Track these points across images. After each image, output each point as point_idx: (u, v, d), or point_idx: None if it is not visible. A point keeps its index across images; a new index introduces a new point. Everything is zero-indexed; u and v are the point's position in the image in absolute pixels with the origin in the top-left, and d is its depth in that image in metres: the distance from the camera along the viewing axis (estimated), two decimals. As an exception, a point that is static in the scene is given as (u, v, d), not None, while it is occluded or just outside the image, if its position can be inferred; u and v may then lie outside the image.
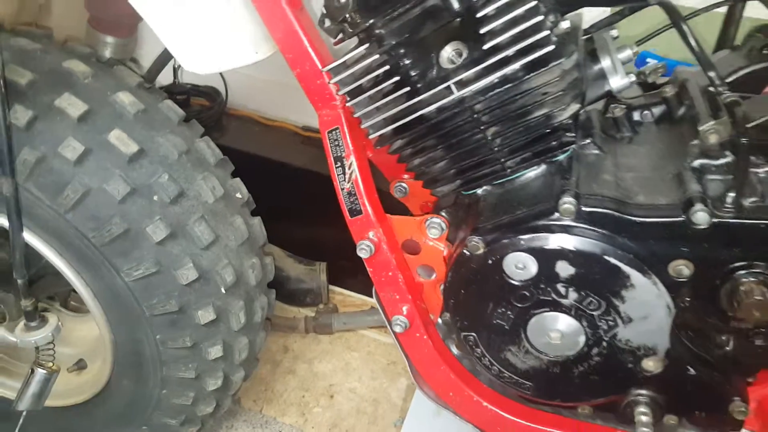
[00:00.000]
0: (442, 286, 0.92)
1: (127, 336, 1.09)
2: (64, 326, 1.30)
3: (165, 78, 1.88)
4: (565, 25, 0.74)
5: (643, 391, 0.86)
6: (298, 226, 1.85)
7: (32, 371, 1.07)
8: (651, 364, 0.83)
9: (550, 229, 0.78)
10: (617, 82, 0.85)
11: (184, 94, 1.98)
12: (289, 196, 1.78)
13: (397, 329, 0.97)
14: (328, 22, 0.81)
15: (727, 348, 0.83)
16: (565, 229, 0.78)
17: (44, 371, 1.07)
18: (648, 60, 1.45)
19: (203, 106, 1.99)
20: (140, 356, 1.11)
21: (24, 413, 1.11)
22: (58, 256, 1.02)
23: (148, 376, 1.13)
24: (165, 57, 1.11)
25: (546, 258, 0.79)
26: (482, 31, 0.73)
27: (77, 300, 1.39)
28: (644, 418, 0.85)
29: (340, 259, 1.82)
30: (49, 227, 0.99)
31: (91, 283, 1.04)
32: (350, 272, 1.83)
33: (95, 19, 1.22)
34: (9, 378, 1.31)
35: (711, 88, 0.80)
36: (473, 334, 0.90)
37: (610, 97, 0.89)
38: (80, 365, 1.30)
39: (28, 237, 0.99)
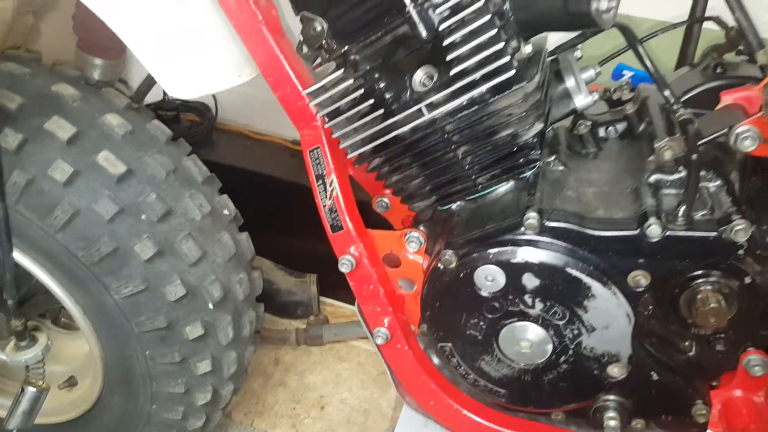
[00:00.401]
0: (421, 298, 0.96)
1: (117, 352, 1.11)
2: (54, 344, 1.32)
3: (155, 94, 1.92)
4: (527, 49, 0.79)
5: (611, 397, 0.90)
6: (289, 238, 1.87)
7: (22, 389, 1.09)
8: (616, 371, 0.87)
9: (516, 243, 0.82)
10: (581, 100, 0.90)
11: (173, 110, 1.99)
12: (279, 209, 1.80)
13: (379, 341, 1.00)
14: (305, 49, 0.85)
15: (690, 353, 0.86)
16: (530, 243, 0.81)
17: (34, 389, 1.09)
18: (624, 72, 1.50)
19: (193, 122, 2.02)
20: (130, 372, 1.12)
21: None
22: (48, 276, 1.04)
23: (138, 391, 1.15)
24: (153, 78, 1.14)
25: (513, 270, 0.83)
26: (449, 57, 0.77)
27: (68, 317, 1.41)
28: (612, 423, 0.89)
29: (330, 270, 1.82)
30: (39, 247, 1.01)
31: (81, 301, 1.06)
32: (341, 283, 1.83)
33: (84, 41, 1.25)
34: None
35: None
36: (449, 344, 0.93)
37: (577, 114, 0.94)
38: (71, 382, 1.30)
39: (19, 257, 1.02)
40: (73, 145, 1.00)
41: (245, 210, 1.25)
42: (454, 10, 0.75)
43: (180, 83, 0.92)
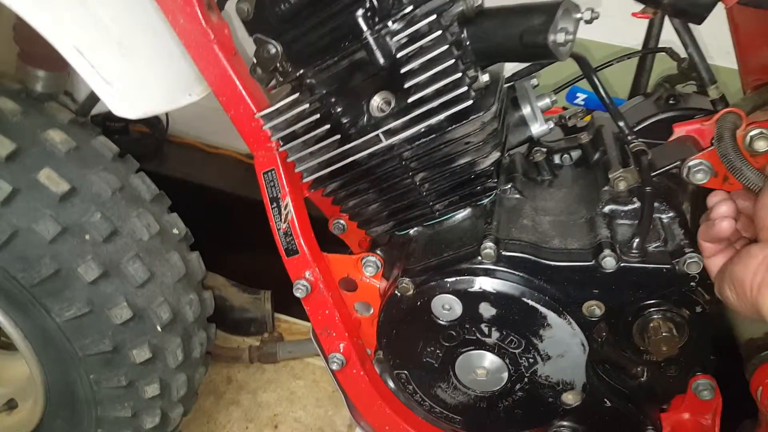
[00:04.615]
0: (377, 323, 0.94)
1: (60, 376, 1.06)
2: (-7, 366, 1.27)
3: (102, 103, 1.85)
4: (484, 78, 0.78)
5: (565, 423, 0.91)
6: (243, 254, 1.84)
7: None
8: (570, 398, 0.87)
9: (473, 272, 0.81)
10: (537, 128, 0.90)
11: (122, 121, 1.94)
12: (233, 225, 1.77)
13: (334, 366, 0.98)
14: (259, 71, 0.83)
15: (641, 379, 0.88)
16: (487, 273, 0.81)
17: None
18: (578, 94, 1.52)
19: (143, 133, 1.96)
20: (74, 396, 1.08)
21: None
22: (-16, 297, 0.99)
23: (83, 416, 1.11)
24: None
25: (470, 300, 0.82)
26: (406, 85, 0.76)
27: (7, 336, 1.35)
28: (566, 449, 0.90)
29: (286, 286, 1.81)
30: (-27, 268, 0.96)
31: (21, 323, 1.01)
32: (296, 300, 1.81)
33: (26, 52, 1.19)
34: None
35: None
36: (405, 371, 0.92)
37: (533, 141, 0.94)
38: (11, 405, 1.25)
39: (-48, 278, 0.96)
40: (13, 162, 0.95)
41: (197, 225, 1.22)
42: (412, 38, 0.74)
43: (126, 102, 0.88)
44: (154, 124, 1.94)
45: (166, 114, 1.90)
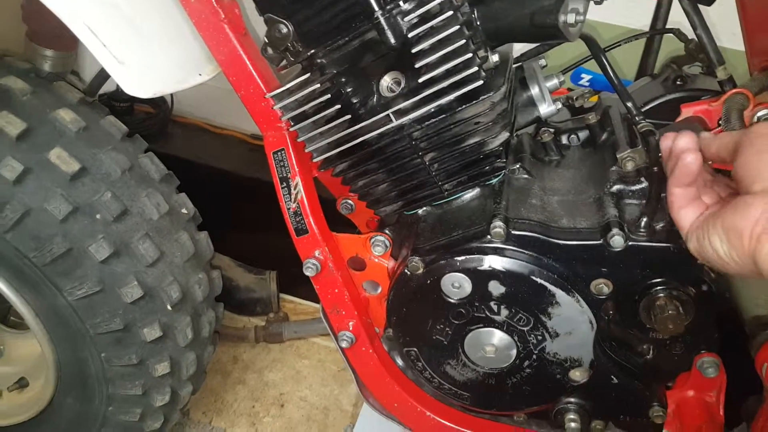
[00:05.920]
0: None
1: (71, 354, 1.08)
2: (4, 344, 1.28)
3: (108, 83, 1.85)
4: (494, 59, 0.79)
5: (572, 399, 0.92)
6: (248, 234, 1.85)
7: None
8: (578, 375, 0.89)
9: (482, 251, 0.82)
10: (545, 109, 0.91)
11: (127, 101, 1.93)
12: (238, 205, 1.77)
13: (344, 344, 0.99)
14: (270, 51, 0.83)
15: (648, 357, 0.89)
16: (496, 251, 0.82)
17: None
18: (583, 75, 1.52)
19: (148, 113, 1.95)
20: (85, 374, 1.10)
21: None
22: (-3, 276, 1.00)
23: (94, 393, 1.12)
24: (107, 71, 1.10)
25: (479, 278, 0.83)
26: (417, 65, 0.76)
27: (17, 315, 1.36)
28: (573, 425, 0.91)
29: (290, 267, 1.82)
30: (-14, 247, 0.97)
31: (33, 302, 1.03)
32: (301, 280, 1.82)
33: (34, 32, 1.19)
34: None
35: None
36: (414, 349, 0.94)
37: (541, 121, 0.95)
38: (22, 383, 1.27)
39: (-36, 257, 0.97)
40: (23, 141, 0.96)
41: (202, 205, 1.22)
42: (423, 18, 0.74)
43: (138, 81, 0.88)
44: (159, 104, 1.94)
45: (171, 94, 1.90)
